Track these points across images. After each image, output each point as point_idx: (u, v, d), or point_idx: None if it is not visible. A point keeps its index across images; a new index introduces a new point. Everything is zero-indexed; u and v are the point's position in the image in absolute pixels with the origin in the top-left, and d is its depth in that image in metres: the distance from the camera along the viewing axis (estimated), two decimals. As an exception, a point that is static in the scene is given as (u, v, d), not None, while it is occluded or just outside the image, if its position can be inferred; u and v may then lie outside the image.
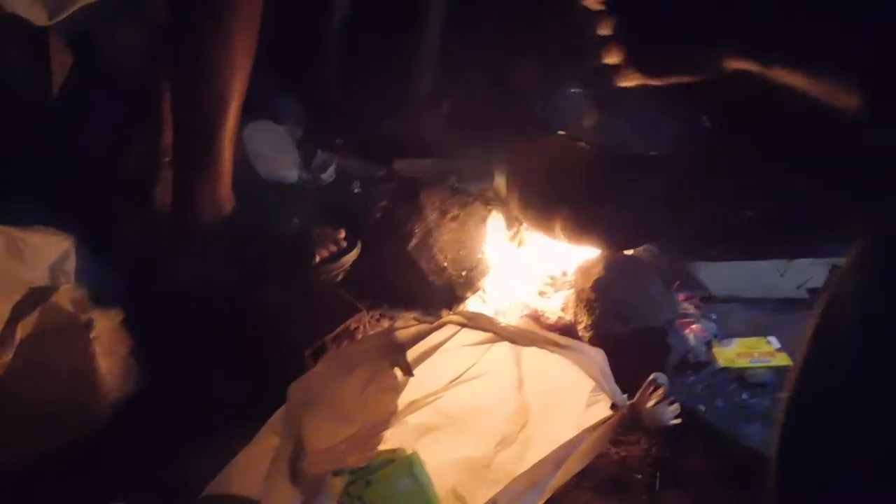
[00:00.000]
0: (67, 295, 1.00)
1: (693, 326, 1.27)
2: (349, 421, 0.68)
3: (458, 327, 0.81)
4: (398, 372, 0.72)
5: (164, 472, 0.98)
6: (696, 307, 1.34)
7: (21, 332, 0.94)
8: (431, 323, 0.80)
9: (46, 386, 0.96)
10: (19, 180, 1.22)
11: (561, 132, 1.26)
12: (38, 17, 1.15)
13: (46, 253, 1.01)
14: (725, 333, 1.28)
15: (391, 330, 0.76)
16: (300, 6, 1.67)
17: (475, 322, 0.81)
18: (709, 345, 1.25)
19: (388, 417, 0.69)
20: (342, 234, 1.36)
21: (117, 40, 1.36)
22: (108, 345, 1.02)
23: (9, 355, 0.92)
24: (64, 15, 1.12)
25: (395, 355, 0.70)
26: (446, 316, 0.82)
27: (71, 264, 1.04)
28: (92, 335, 0.99)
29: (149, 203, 1.33)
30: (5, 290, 0.95)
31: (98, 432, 1.01)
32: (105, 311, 1.05)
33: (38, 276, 0.99)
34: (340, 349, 1.02)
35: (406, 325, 0.78)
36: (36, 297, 0.97)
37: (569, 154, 1.23)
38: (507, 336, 0.82)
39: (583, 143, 1.22)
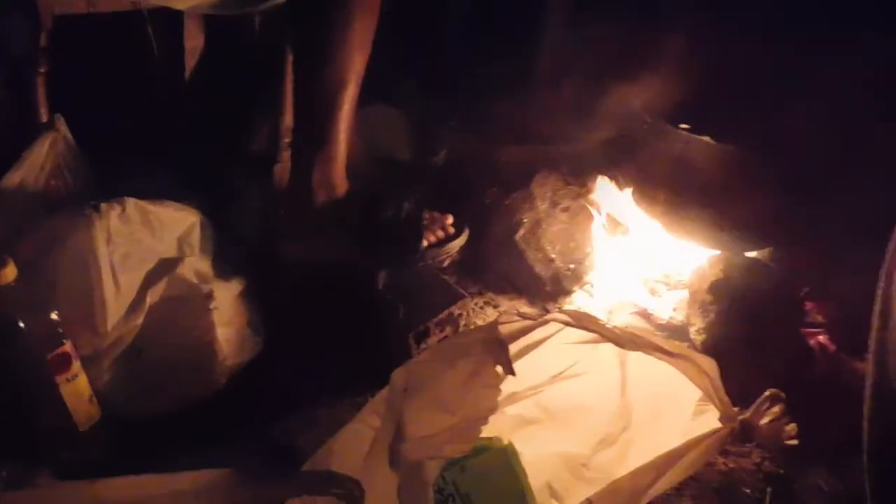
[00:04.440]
0: (192, 266, 1.06)
1: (821, 337, 1.18)
2: (449, 412, 0.68)
3: (562, 325, 0.79)
4: (500, 370, 0.71)
5: (270, 439, 1.04)
6: (826, 317, 1.23)
7: (150, 298, 1.00)
8: (535, 319, 0.78)
9: (169, 350, 1.03)
10: (152, 154, 1.31)
11: (684, 125, 1.19)
12: (179, 3, 1.22)
13: (175, 226, 1.08)
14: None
15: (495, 324, 0.75)
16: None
17: (579, 321, 0.79)
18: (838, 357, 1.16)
19: (487, 413, 0.68)
20: (450, 220, 1.37)
21: (245, 24, 1.43)
22: (226, 315, 1.08)
23: (140, 319, 0.99)
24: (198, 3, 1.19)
25: (498, 353, 0.69)
26: (551, 313, 0.80)
27: (196, 238, 1.10)
28: (212, 305, 1.05)
29: (269, 181, 1.39)
30: (139, 258, 1.02)
31: (213, 396, 1.07)
32: (225, 282, 1.11)
33: (166, 247, 1.06)
34: (445, 340, 1.02)
35: (510, 319, 0.77)
36: (165, 268, 1.03)
37: (691, 149, 1.17)
38: (612, 338, 0.79)
39: (706, 139, 1.15)
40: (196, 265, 1.07)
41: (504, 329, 0.75)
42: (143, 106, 1.39)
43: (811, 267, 1.27)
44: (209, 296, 1.05)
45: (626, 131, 1.34)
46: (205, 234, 1.12)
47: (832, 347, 1.16)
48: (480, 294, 1.36)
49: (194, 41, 1.45)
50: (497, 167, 1.61)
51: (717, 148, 1.15)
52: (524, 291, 1.36)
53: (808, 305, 1.24)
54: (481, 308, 1.32)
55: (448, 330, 1.21)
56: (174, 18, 1.39)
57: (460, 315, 1.23)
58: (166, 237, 1.06)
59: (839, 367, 1.13)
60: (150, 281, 1.01)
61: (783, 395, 0.84)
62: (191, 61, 1.46)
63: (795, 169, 1.12)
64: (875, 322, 0.65)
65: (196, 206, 1.15)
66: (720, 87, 1.22)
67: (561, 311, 0.79)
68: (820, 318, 1.22)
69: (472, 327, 1.24)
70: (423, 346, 1.17)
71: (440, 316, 1.20)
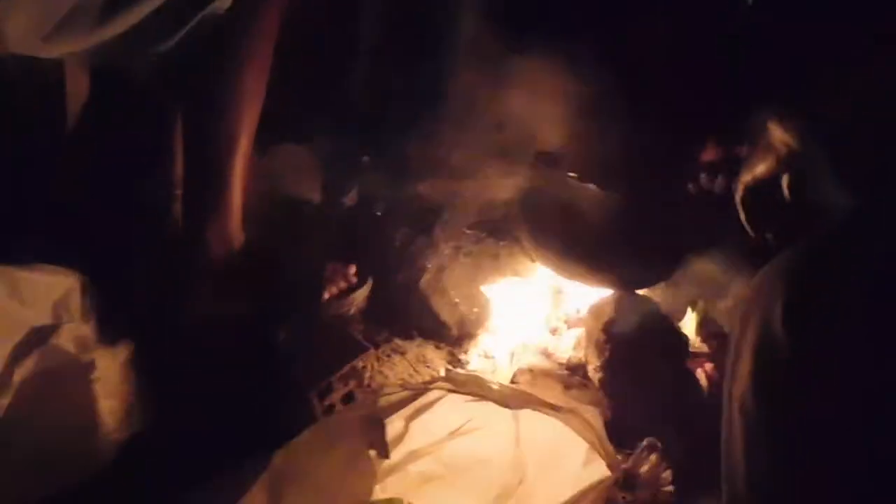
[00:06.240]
0: (70, 334, 0.99)
1: (707, 366, 1.23)
2: (327, 501, 0.66)
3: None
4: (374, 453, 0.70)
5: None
6: (711, 347, 1.29)
7: (19, 374, 0.93)
8: (419, 389, 0.77)
9: (45, 429, 0.95)
10: (29, 213, 1.23)
11: (572, 174, 1.23)
12: (46, 51, 1.16)
13: (49, 291, 1.01)
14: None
15: (375, 399, 0.74)
16: (330, 23, 1.65)
17: (465, 387, 0.79)
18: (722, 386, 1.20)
19: (363, 501, 0.67)
20: (353, 270, 1.35)
21: (133, 71, 1.37)
22: (109, 386, 1.01)
23: (7, 398, 0.92)
24: (72, 49, 1.13)
25: (374, 434, 0.68)
26: (436, 381, 0.80)
27: (75, 302, 1.03)
28: (93, 376, 0.98)
29: (160, 236, 1.33)
30: (5, 331, 0.94)
31: (97, 474, 1.00)
32: (109, 349, 1.04)
33: (39, 315, 0.98)
34: (325, 420, 0.99)
35: (393, 391, 0.76)
36: (36, 338, 0.96)
37: (580, 195, 1.21)
38: (498, 399, 0.80)
39: (592, 186, 1.19)
40: (75, 332, 1.00)
41: (393, 397, 0.73)
42: (18, 157, 1.30)
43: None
44: (89, 366, 0.99)
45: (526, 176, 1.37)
46: (86, 298, 1.05)
47: (715, 376, 1.21)
48: (387, 342, 1.34)
49: (77, 86, 1.37)
50: (407, 205, 1.60)
51: (601, 194, 1.18)
52: (430, 337, 1.35)
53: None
54: (388, 357, 1.30)
55: (352, 384, 1.18)
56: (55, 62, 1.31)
57: (364, 367, 1.21)
58: (39, 304, 0.99)
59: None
60: (18, 355, 0.94)
61: (659, 443, 0.86)
62: (74, 107, 1.38)
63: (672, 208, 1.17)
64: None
65: (76, 267, 1.08)
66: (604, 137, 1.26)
67: (446, 376, 0.79)
68: (705, 348, 1.27)
69: (376, 379, 1.21)
70: (326, 402, 1.14)
71: (343, 370, 1.17)
